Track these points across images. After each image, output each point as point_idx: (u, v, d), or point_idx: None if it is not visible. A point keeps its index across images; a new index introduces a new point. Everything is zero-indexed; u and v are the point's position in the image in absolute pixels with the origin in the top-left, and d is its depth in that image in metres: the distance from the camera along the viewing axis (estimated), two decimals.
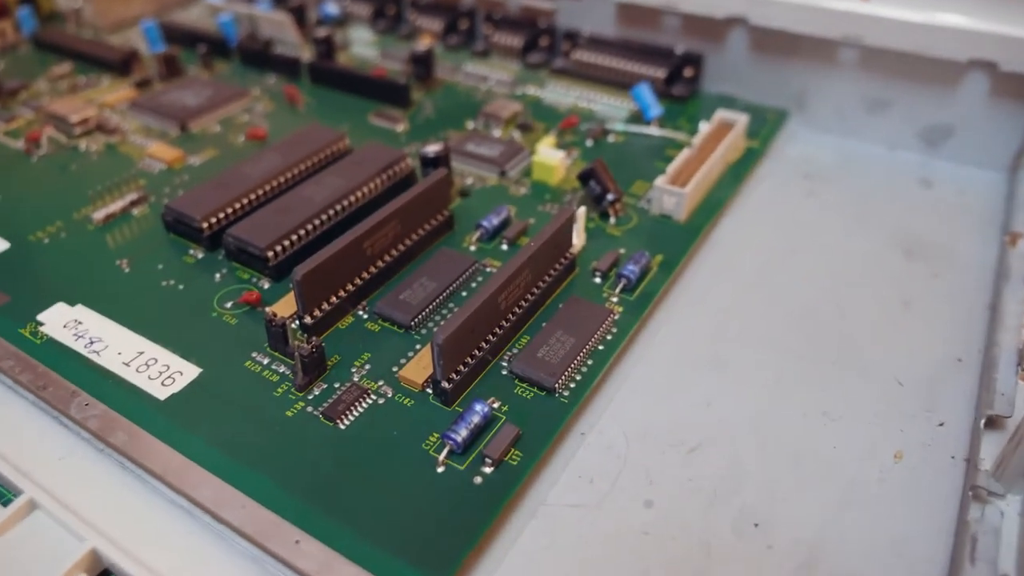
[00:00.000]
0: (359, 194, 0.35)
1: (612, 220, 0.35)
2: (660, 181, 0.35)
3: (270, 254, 0.31)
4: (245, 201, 0.35)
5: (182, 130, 0.43)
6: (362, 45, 0.53)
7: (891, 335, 0.31)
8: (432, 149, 0.35)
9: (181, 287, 0.32)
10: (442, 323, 0.28)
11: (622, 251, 0.33)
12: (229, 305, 0.31)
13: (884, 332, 0.31)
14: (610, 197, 0.35)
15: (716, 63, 0.46)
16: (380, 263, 0.31)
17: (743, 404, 0.28)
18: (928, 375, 0.29)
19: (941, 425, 0.27)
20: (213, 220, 0.33)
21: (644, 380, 0.29)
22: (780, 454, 0.26)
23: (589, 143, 0.42)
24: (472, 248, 0.34)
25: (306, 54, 0.51)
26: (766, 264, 0.35)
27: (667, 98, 0.45)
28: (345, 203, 0.34)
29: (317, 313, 0.29)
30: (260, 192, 0.35)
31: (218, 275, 0.32)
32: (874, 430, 0.27)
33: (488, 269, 0.32)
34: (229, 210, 0.34)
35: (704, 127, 0.40)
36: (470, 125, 0.43)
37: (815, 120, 0.45)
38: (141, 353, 0.28)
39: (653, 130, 0.42)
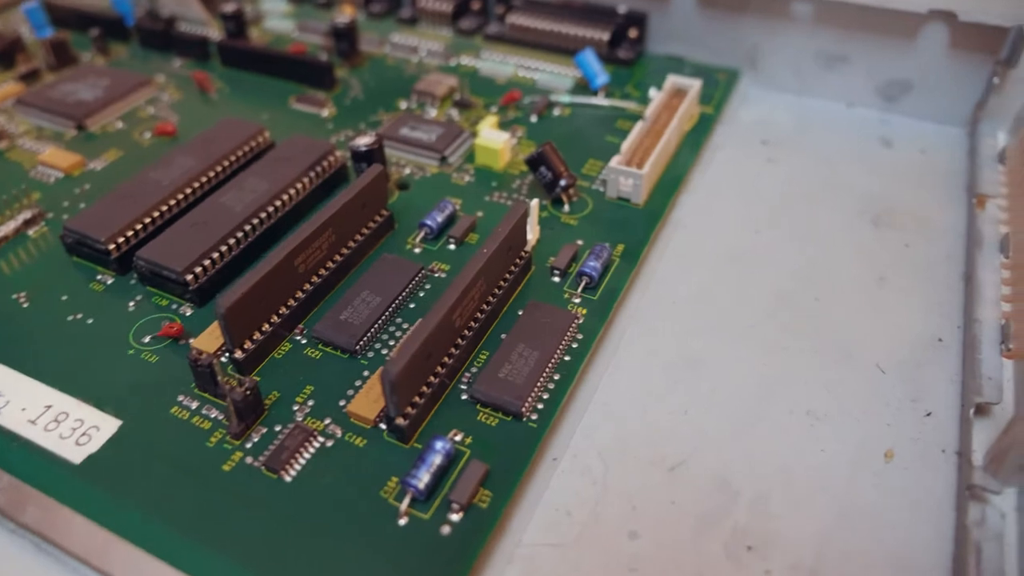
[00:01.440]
0: (285, 197, 0.31)
1: (566, 207, 0.33)
2: (615, 162, 0.33)
3: (189, 277, 0.28)
4: (156, 214, 0.31)
5: (79, 129, 0.38)
6: (276, 18, 0.49)
7: (868, 316, 0.29)
8: (363, 142, 0.32)
9: (90, 321, 0.28)
10: (391, 353, 0.25)
11: (580, 243, 0.31)
12: (147, 340, 0.27)
13: (861, 313, 0.29)
14: (563, 183, 0.32)
15: (661, 22, 0.43)
16: (315, 278, 0.28)
17: (723, 409, 0.26)
18: (910, 359, 0.28)
19: (928, 415, 0.26)
20: (121, 240, 0.29)
21: (615, 390, 0.27)
22: (767, 464, 0.24)
23: (534, 119, 0.38)
24: (417, 251, 0.31)
25: (214, 32, 0.46)
26: (732, 246, 0.32)
27: (612, 62, 0.42)
28: (270, 209, 0.31)
29: (248, 345, 0.25)
30: (173, 203, 0.31)
31: (132, 303, 0.29)
32: (862, 427, 0.25)
33: (436, 274, 0.29)
34: (139, 226, 0.30)
35: (655, 95, 0.38)
36: (403, 105, 0.40)
37: (769, 79, 0.43)
38: (49, 407, 0.25)
39: (601, 100, 0.40)
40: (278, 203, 0.31)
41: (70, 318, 0.28)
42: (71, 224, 0.30)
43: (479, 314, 0.26)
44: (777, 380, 0.27)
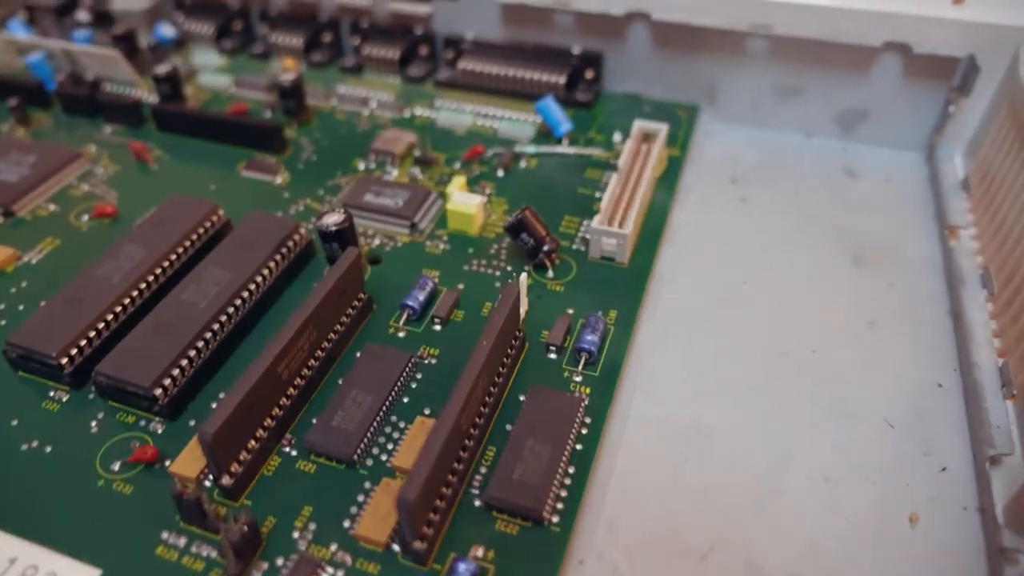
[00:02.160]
0: (252, 287, 0.29)
1: (550, 273, 0.31)
2: (597, 221, 0.31)
3: (158, 392, 0.25)
4: (110, 317, 0.28)
5: (7, 216, 0.35)
6: (210, 73, 0.46)
7: (866, 366, 0.29)
8: (332, 221, 0.30)
9: (49, 449, 0.25)
10: (403, 480, 0.24)
11: (571, 312, 0.30)
12: (117, 467, 0.25)
13: (858, 363, 0.29)
14: (546, 248, 0.31)
15: (617, 61, 0.43)
16: (299, 380, 0.26)
17: (741, 483, 0.25)
18: (914, 409, 0.27)
19: (944, 470, 0.26)
20: (74, 351, 0.27)
21: (631, 474, 0.25)
22: (795, 541, 0.24)
23: (500, 173, 0.37)
24: (401, 335, 0.29)
25: (145, 93, 0.43)
26: (721, 299, 0.32)
27: (570, 104, 0.41)
28: (237, 302, 0.28)
29: (236, 468, 0.23)
30: (127, 301, 0.29)
31: (94, 423, 0.26)
32: (881, 490, 0.25)
33: (426, 361, 0.28)
34: (92, 333, 0.27)
35: (621, 140, 0.37)
36: (360, 165, 0.38)
37: (727, 112, 0.42)
38: (14, 561, 0.22)
39: (567, 149, 0.38)
40: (245, 294, 0.29)
41: (24, 447, 0.25)
42: (15, 338, 0.27)
43: (483, 408, 0.25)
44: (789, 444, 0.26)
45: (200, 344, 0.27)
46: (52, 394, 0.27)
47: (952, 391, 0.28)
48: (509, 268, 0.32)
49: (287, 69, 0.43)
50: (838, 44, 0.38)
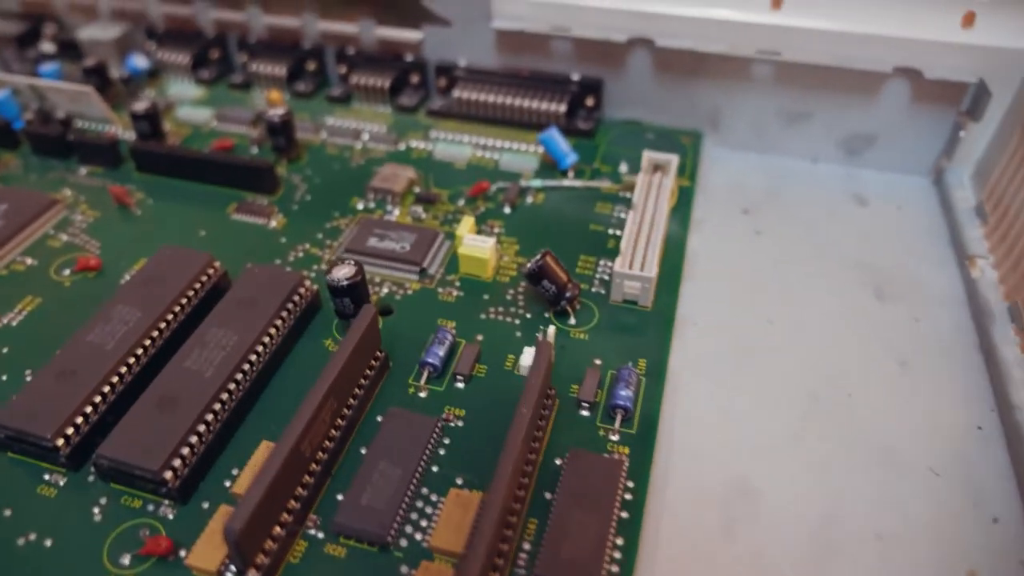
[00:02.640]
0: (259, 349, 0.27)
1: (572, 320, 0.30)
2: (620, 265, 0.30)
3: (168, 475, 0.23)
4: (107, 390, 0.26)
5: None
6: (188, 105, 0.43)
7: (903, 409, 0.28)
8: (343, 275, 0.28)
9: (49, 542, 0.23)
10: (443, 563, 0.22)
11: (598, 362, 0.28)
12: (127, 561, 0.22)
13: (895, 407, 0.28)
14: (569, 295, 0.29)
15: (617, 88, 0.41)
16: (321, 455, 0.24)
17: (793, 546, 0.24)
18: (957, 455, 0.27)
19: (995, 521, 0.25)
20: (70, 431, 0.24)
21: (678, 542, 0.24)
22: None
23: (507, 210, 0.36)
24: (423, 395, 0.27)
25: (121, 129, 0.41)
26: (748, 342, 0.31)
27: (571, 133, 0.40)
28: (246, 367, 0.26)
29: (262, 560, 0.21)
30: (124, 371, 0.26)
31: (96, 510, 0.24)
32: (935, 546, 0.24)
33: (452, 423, 0.26)
34: (88, 409, 0.25)
35: (626, 170, 0.36)
36: (359, 205, 0.36)
37: (731, 138, 0.41)
38: None
39: (574, 182, 0.37)
40: (253, 357, 0.27)
41: (21, 541, 0.23)
42: (3, 418, 0.24)
43: (525, 479, 0.23)
44: (835, 500, 0.25)
45: (209, 417, 0.25)
46: (47, 477, 0.25)
47: (993, 434, 0.27)
48: (528, 315, 0.30)
49: (273, 103, 0.41)
50: (847, 70, 0.37)
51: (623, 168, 0.38)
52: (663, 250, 0.33)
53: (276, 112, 0.37)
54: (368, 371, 0.27)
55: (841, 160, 0.40)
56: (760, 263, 0.34)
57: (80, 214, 0.35)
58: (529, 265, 0.29)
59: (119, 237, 0.34)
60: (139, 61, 0.44)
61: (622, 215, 0.35)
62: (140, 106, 0.38)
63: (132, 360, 0.27)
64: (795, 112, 0.40)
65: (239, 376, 0.26)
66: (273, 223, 0.35)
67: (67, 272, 0.32)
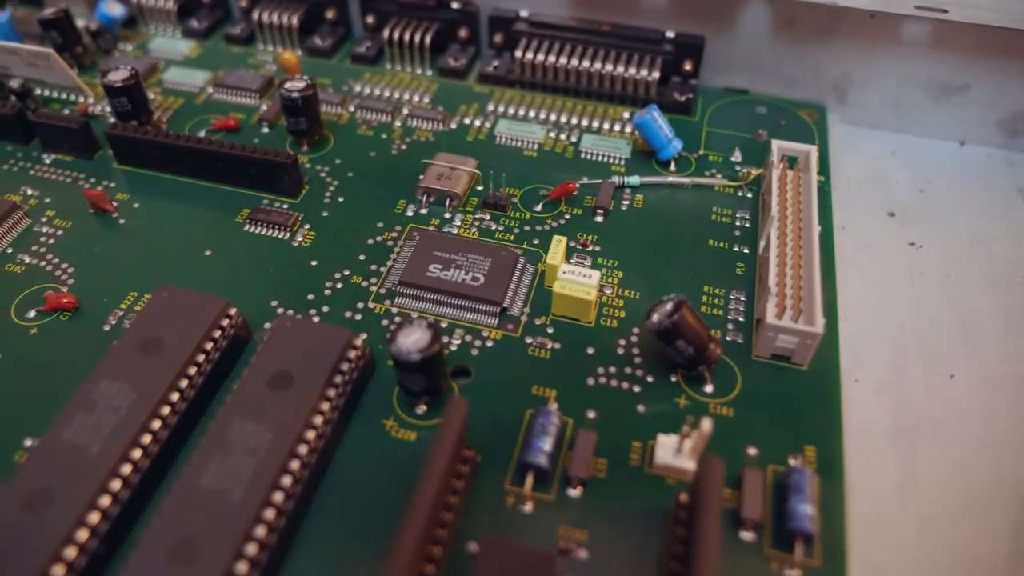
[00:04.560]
0: (303, 451, 0.20)
1: (708, 387, 0.23)
2: (772, 314, 0.23)
3: None
4: (96, 520, 0.18)
5: None
6: (177, 66, 0.35)
7: None
8: (414, 344, 0.20)
9: None
10: None
11: (752, 452, 0.21)
12: None
13: None
14: (710, 358, 0.22)
15: (720, 48, 0.33)
16: None
17: None
18: None
19: None
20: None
21: None
22: None
23: (599, 218, 0.28)
24: (527, 508, 0.20)
25: (93, 99, 0.32)
26: (927, 413, 0.24)
27: (665, 108, 0.32)
28: (287, 483, 0.19)
29: None
30: (118, 487, 0.19)
31: None
32: None
33: (573, 553, 0.19)
34: (71, 553, 0.18)
35: (739, 158, 0.28)
36: (407, 210, 0.28)
37: (860, 114, 0.33)
38: None
39: (681, 178, 0.29)
40: (295, 466, 0.19)
41: None
42: None
43: None
44: None
45: (251, 550, 0.18)
46: None
47: None
48: (650, 379, 0.23)
49: (288, 69, 0.32)
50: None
51: (736, 156, 0.30)
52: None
53: (294, 86, 0.29)
54: (456, 481, 0.20)
55: (996, 143, 0.33)
56: (923, 292, 0.27)
57: (46, 225, 0.27)
58: (656, 319, 0.22)
59: (99, 259, 0.26)
60: (112, 7, 0.35)
61: (747, 223, 0.28)
62: (117, 76, 0.29)
63: (128, 470, 0.19)
64: (949, 83, 0.32)
65: (278, 497, 0.19)
66: (299, 238, 0.27)
67: (32, 314, 0.24)
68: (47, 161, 0.30)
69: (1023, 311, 0.26)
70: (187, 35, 0.36)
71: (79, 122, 0.29)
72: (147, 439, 0.20)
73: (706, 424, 0.19)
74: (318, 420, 0.20)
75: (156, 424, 0.20)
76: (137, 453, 0.20)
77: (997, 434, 0.23)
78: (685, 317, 0.22)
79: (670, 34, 0.32)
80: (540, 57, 0.32)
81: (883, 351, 0.25)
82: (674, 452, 0.21)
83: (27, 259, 0.26)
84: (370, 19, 0.35)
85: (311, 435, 0.20)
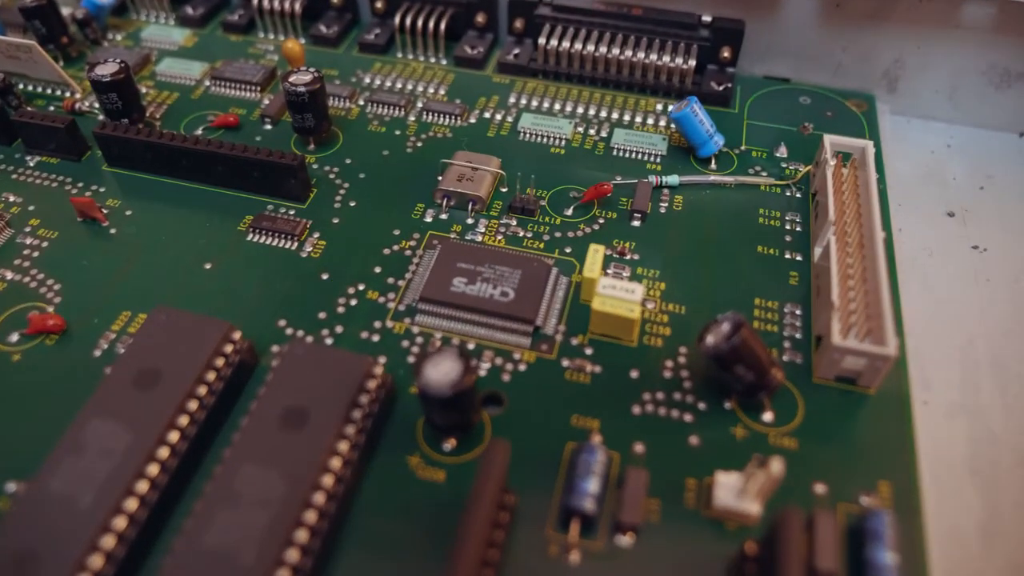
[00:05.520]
0: (321, 500, 0.17)
1: (767, 415, 0.20)
2: (839, 334, 0.20)
3: None
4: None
5: None
6: (171, 57, 0.32)
7: None
8: (445, 377, 0.18)
9: None
10: None
11: (820, 490, 0.19)
12: None
13: None
14: (773, 383, 0.20)
15: (762, 36, 0.30)
16: None
17: None
18: None
19: None
20: None
21: None
22: None
23: (636, 223, 0.25)
24: (574, 560, 0.18)
25: (80, 94, 0.30)
26: (1005, 438, 0.21)
27: (702, 99, 0.29)
28: (303, 537, 0.17)
29: None
30: (112, 545, 0.17)
31: None
32: None
33: None
34: None
35: (784, 153, 0.26)
36: (426, 215, 0.26)
37: (912, 104, 0.31)
38: None
39: (724, 177, 0.27)
40: (311, 518, 0.17)
41: None
42: None
43: None
44: None
45: None
46: None
47: None
48: (701, 406, 0.21)
49: (292, 60, 0.30)
50: None
51: (781, 151, 0.28)
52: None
53: (300, 79, 0.26)
54: (496, 531, 0.17)
55: None
56: (992, 298, 0.25)
57: (30, 236, 0.25)
58: (711, 341, 0.19)
59: (88, 274, 0.24)
60: None
61: (797, 226, 0.25)
62: (105, 70, 0.26)
63: (123, 525, 0.17)
64: (1011, 69, 0.29)
65: (293, 556, 0.16)
66: (307, 248, 0.24)
67: (15, 338, 0.22)
68: (31, 164, 0.27)
69: None
70: (182, 23, 0.34)
71: (65, 121, 0.27)
72: (144, 487, 0.18)
73: (776, 465, 0.17)
74: (336, 463, 0.18)
75: (154, 469, 0.18)
76: (133, 504, 0.17)
77: None
78: (746, 340, 0.19)
79: (707, 18, 0.30)
80: (565, 44, 0.30)
81: (952, 369, 0.23)
82: (736, 493, 0.18)
83: (9, 275, 0.24)
84: (379, 4, 0.32)
85: (328, 481, 0.18)
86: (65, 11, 0.32)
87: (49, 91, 0.30)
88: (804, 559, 0.16)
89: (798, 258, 0.24)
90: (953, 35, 0.29)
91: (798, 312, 0.23)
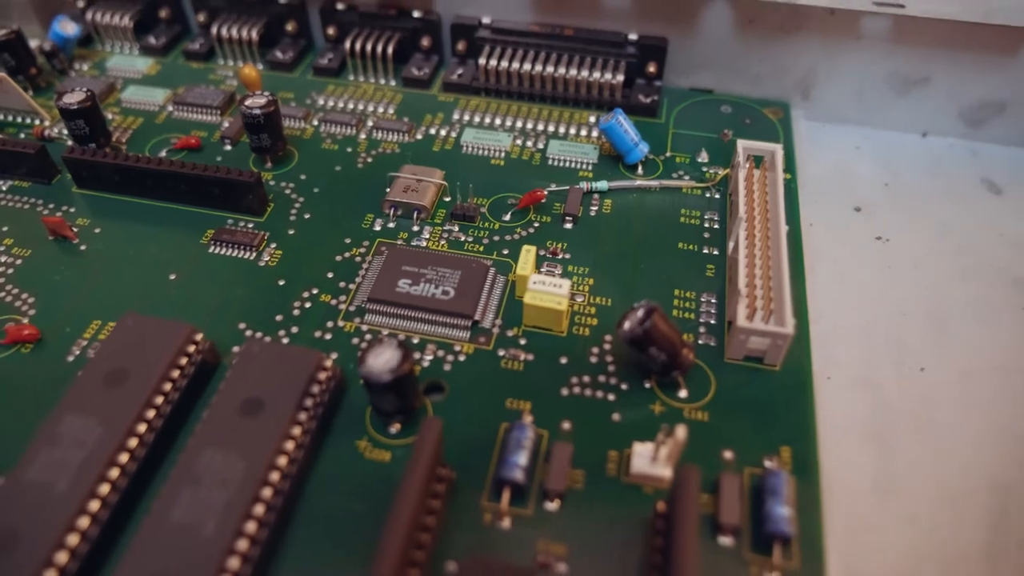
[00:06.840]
0: (275, 477, 0.19)
1: (683, 392, 0.23)
2: (744, 316, 0.23)
3: None
4: (64, 560, 0.18)
5: None
6: (137, 86, 0.34)
7: None
8: (384, 365, 0.20)
9: None
10: None
11: (728, 456, 0.21)
12: None
13: None
14: (683, 363, 0.22)
15: (683, 50, 0.33)
16: None
17: None
18: None
19: None
20: None
21: None
22: None
23: (568, 225, 0.28)
24: (505, 524, 0.20)
25: (49, 121, 0.32)
26: (901, 406, 0.24)
27: (629, 111, 0.32)
28: (259, 511, 0.19)
29: None
30: (87, 525, 0.19)
31: None
32: None
33: (556, 568, 0.19)
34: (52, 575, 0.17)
35: (706, 159, 0.28)
36: (375, 224, 0.28)
37: (824, 109, 0.34)
38: None
39: (649, 181, 0.29)
40: (267, 494, 0.19)
41: None
42: None
43: None
44: None
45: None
46: None
47: None
48: (624, 387, 0.23)
49: (249, 84, 0.32)
50: (985, 25, 0.29)
51: (703, 157, 0.30)
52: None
53: (255, 103, 0.28)
54: (433, 501, 0.19)
55: (958, 133, 0.33)
56: (892, 288, 0.27)
57: (4, 254, 0.27)
58: (627, 327, 0.22)
59: (60, 288, 0.26)
60: (66, 26, 0.34)
61: (715, 224, 0.28)
62: (72, 98, 0.28)
63: (96, 507, 0.19)
64: (911, 76, 0.32)
65: (251, 527, 0.18)
66: (265, 257, 0.26)
67: None
68: (3, 188, 0.29)
69: (992, 301, 0.27)
70: (145, 52, 0.36)
71: (35, 147, 0.29)
72: (115, 473, 0.19)
73: (680, 431, 0.19)
74: (290, 446, 0.20)
75: (124, 457, 0.20)
76: (105, 488, 0.19)
77: (971, 426, 0.23)
78: (657, 324, 0.22)
79: (633, 36, 0.32)
80: (504, 64, 0.32)
81: (855, 347, 0.25)
82: (650, 460, 0.21)
83: None
84: (331, 30, 0.34)
85: (283, 461, 0.20)
86: (33, 43, 0.34)
87: (20, 119, 0.32)
88: (699, 507, 0.18)
89: (715, 252, 0.27)
90: (857, 46, 0.31)
91: (713, 301, 0.25)
